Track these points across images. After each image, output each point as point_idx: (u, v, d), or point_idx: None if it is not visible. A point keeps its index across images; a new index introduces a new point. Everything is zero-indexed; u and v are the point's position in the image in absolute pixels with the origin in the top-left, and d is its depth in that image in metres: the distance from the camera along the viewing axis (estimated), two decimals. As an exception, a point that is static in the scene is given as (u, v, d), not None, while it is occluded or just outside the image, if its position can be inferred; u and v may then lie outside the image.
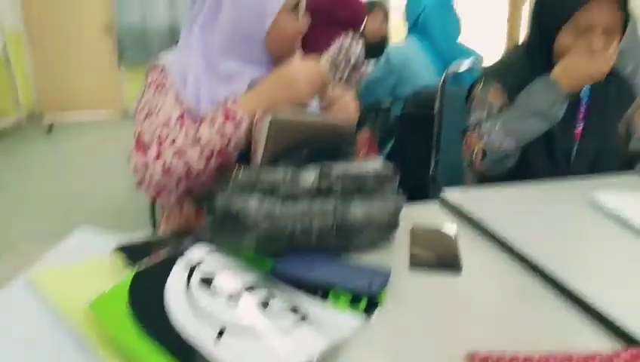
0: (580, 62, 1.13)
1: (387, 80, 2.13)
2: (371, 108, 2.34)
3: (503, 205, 1.05)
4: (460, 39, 2.20)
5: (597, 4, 1.12)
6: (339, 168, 0.81)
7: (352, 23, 2.22)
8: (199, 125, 0.91)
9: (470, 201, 1.03)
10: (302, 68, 0.97)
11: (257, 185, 0.78)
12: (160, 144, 0.89)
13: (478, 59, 2.16)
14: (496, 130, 1.20)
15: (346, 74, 2.17)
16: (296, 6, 1.03)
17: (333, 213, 0.78)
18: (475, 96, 1.32)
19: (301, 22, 1.06)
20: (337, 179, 0.80)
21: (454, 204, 1.02)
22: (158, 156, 0.87)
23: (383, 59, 2.15)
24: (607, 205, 0.99)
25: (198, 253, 0.69)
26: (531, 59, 1.27)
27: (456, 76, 1.99)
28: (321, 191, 0.79)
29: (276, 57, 1.06)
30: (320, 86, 1.00)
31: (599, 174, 1.21)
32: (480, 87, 1.32)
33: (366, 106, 2.30)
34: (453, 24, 2.10)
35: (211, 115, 0.92)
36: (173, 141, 0.89)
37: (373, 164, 0.87)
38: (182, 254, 0.68)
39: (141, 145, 0.90)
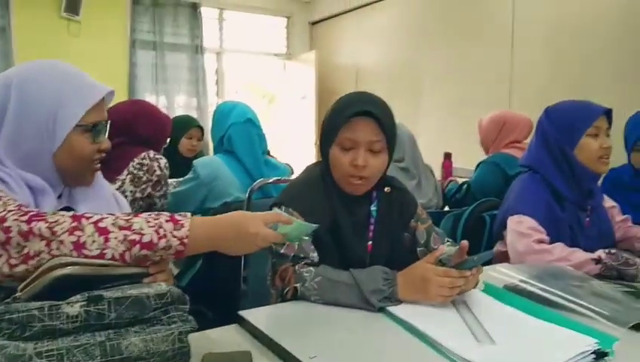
0: (429, 280, 1.08)
1: (196, 193, 2.10)
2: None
3: (301, 320, 1.04)
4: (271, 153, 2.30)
5: (359, 123, 1.22)
6: (112, 292, 0.72)
7: (154, 140, 2.21)
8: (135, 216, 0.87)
9: (268, 320, 1.00)
10: (258, 220, 0.93)
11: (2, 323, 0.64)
12: None
13: (286, 171, 2.27)
14: (312, 283, 1.12)
15: (148, 190, 2.11)
16: (94, 127, 1.02)
17: (102, 347, 0.67)
18: None
19: (100, 143, 1.05)
20: (110, 305, 0.70)
21: (251, 324, 0.97)
22: None
23: (190, 173, 2.12)
24: (396, 313, 1.03)
25: None
26: (324, 179, 1.30)
27: (263, 189, 2.05)
28: (89, 321, 0.68)
29: (68, 175, 1.02)
30: (273, 240, 0.95)
31: None
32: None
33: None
34: (258, 140, 2.19)
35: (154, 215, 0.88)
36: None
37: (157, 287, 0.79)
38: None
39: None
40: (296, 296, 1.13)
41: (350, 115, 1.23)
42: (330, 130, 1.28)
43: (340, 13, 5.85)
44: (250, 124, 2.17)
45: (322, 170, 1.33)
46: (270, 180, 1.96)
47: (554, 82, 3.47)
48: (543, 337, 0.93)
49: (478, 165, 2.52)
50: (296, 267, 1.16)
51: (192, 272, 2.04)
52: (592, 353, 0.84)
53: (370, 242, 1.32)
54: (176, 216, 0.89)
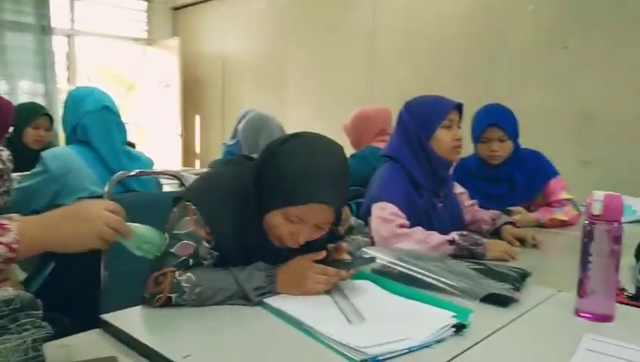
0: (305, 275, 1.08)
1: (46, 188, 1.88)
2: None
3: (172, 319, 0.98)
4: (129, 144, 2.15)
5: (313, 206, 1.07)
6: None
7: None
8: None
9: (134, 321, 0.93)
10: (97, 205, 0.85)
11: None
12: None
13: (148, 164, 2.14)
14: (191, 295, 1.03)
15: None
16: None
17: None
18: (183, 211, 1.13)
19: None
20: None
21: (116, 328, 0.90)
22: None
23: (38, 166, 1.90)
24: (271, 304, 1.03)
25: None
26: (246, 199, 1.14)
27: (124, 182, 1.91)
28: None
29: None
30: (117, 226, 0.84)
31: None
32: (177, 211, 1.15)
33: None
34: (117, 129, 2.03)
35: None
36: None
37: (2, 292, 0.70)
38: None
39: None
40: (167, 305, 1.03)
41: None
42: (276, 195, 1.10)
43: (205, 0, 5.67)
44: (108, 111, 2.01)
45: (244, 183, 1.16)
46: (132, 172, 1.83)
47: (411, 78, 3.73)
48: (410, 314, 0.99)
49: (350, 157, 2.61)
50: (176, 274, 1.05)
51: (42, 276, 1.84)
52: (452, 326, 0.91)
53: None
54: (1, 221, 0.79)
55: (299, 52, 4.63)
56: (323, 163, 1.09)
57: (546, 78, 3.31)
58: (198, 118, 5.90)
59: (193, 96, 5.82)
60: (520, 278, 1.21)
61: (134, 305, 1.04)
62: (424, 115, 1.73)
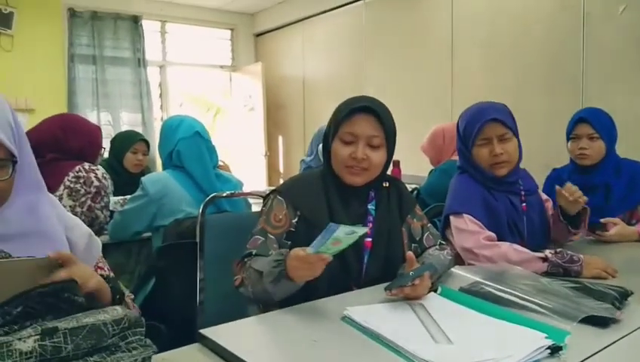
0: (302, 266, 1.11)
1: (146, 211, 2.04)
2: (131, 240, 2.20)
3: (264, 335, 1.03)
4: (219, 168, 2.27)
5: (359, 118, 1.34)
6: (66, 322, 0.68)
7: (87, 151, 2.20)
8: None
9: (230, 336, 0.98)
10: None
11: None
12: None
13: (238, 185, 2.25)
14: (247, 273, 1.25)
15: (88, 203, 2.10)
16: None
17: (61, 381, 0.64)
18: (260, 213, 1.40)
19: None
20: (66, 337, 0.67)
21: (214, 342, 0.96)
22: None
23: (139, 190, 2.07)
24: (354, 318, 1.04)
25: None
26: (323, 177, 1.41)
27: (217, 204, 2.02)
28: (45, 357, 0.65)
29: None
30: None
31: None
32: (266, 204, 1.40)
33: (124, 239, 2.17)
34: (208, 153, 2.16)
35: None
36: None
37: (113, 312, 0.77)
38: None
39: None
40: (242, 285, 1.25)
41: (350, 110, 1.35)
42: (332, 126, 1.39)
43: (283, 25, 5.88)
44: (199, 137, 2.14)
45: (323, 170, 1.44)
46: (223, 194, 1.93)
47: (492, 90, 3.63)
48: (499, 335, 0.97)
49: (430, 172, 2.60)
50: (247, 260, 1.27)
51: (145, 291, 1.98)
52: (547, 348, 0.88)
53: (369, 239, 1.36)
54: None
55: (377, 68, 4.65)
56: (363, 96, 1.44)
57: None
58: (281, 139, 6.08)
59: (276, 117, 6.02)
60: (621, 297, 1.13)
61: (230, 320, 1.10)
62: (463, 130, 1.72)
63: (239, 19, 6.22)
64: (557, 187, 1.69)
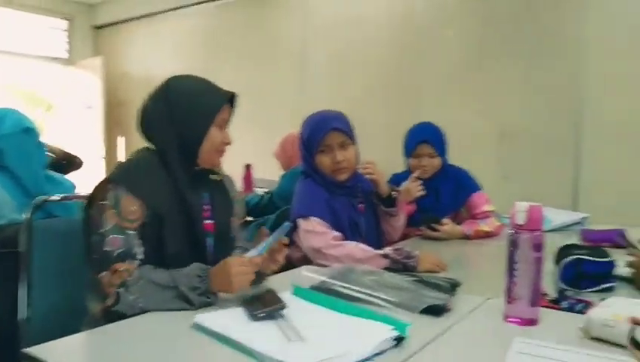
0: (249, 271, 1.16)
1: (-43, 217, 1.74)
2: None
3: (103, 351, 0.94)
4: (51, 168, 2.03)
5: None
6: None
7: None
8: None
9: (62, 355, 0.87)
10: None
11: None
12: None
13: (71, 188, 2.04)
14: (134, 288, 1.14)
15: None
16: None
17: None
18: (100, 210, 1.21)
19: None
20: None
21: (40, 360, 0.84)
22: None
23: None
24: (205, 324, 1.00)
25: None
26: (168, 165, 1.29)
27: (46, 208, 1.80)
28: None
29: None
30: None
31: None
32: (106, 198, 1.22)
33: None
34: (37, 152, 1.92)
35: None
36: None
37: None
38: None
39: None
40: (118, 302, 1.13)
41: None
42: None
43: (128, 20, 5.53)
44: (28, 134, 1.89)
45: (159, 153, 1.31)
46: (54, 197, 1.73)
47: (339, 101, 3.80)
48: (350, 330, 1.00)
49: (282, 176, 2.63)
50: (120, 268, 1.16)
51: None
52: (393, 339, 0.93)
53: (210, 221, 1.36)
54: None
55: (229, 71, 4.59)
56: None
57: (467, 98, 3.50)
58: (122, 140, 5.69)
59: (117, 116, 5.62)
60: (452, 288, 1.25)
61: (62, 336, 0.97)
62: (309, 137, 1.80)
63: (77, 9, 5.72)
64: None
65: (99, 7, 5.80)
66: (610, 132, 3.02)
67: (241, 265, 1.14)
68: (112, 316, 1.13)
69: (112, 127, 5.60)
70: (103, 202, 1.22)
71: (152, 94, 1.36)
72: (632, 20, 2.93)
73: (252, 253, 1.19)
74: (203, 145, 1.32)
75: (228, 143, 1.38)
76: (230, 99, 1.39)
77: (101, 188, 1.25)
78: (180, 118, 1.30)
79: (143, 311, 1.12)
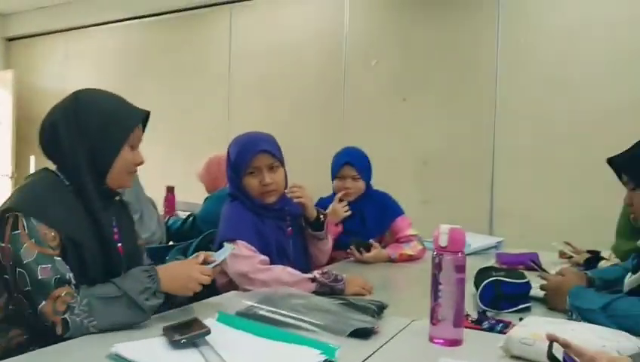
0: (190, 275, 1.23)
1: None
2: None
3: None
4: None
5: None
6: None
7: None
8: None
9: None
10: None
11: None
12: None
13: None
14: (81, 308, 1.09)
15: None
16: None
17: None
18: (15, 242, 1.11)
19: None
20: None
21: None
22: None
23: None
24: (124, 355, 0.94)
25: None
26: (77, 186, 1.21)
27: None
28: None
29: None
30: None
31: None
32: (16, 228, 1.11)
33: None
34: None
35: None
36: None
37: None
38: None
39: None
40: (68, 329, 1.07)
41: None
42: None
43: (44, 33, 5.25)
44: None
45: (65, 174, 1.23)
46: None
47: (268, 123, 3.81)
48: (277, 356, 0.98)
49: (205, 199, 2.56)
50: (61, 293, 1.09)
51: None
52: (321, 362, 0.92)
53: (119, 244, 1.30)
54: None
55: (154, 91, 4.46)
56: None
57: (390, 126, 3.62)
58: (33, 158, 5.32)
59: (28, 133, 5.25)
60: (378, 310, 1.26)
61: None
62: (237, 158, 1.76)
63: (-14, 18, 5.35)
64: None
65: (11, 18, 5.46)
66: (519, 159, 3.24)
67: (202, 271, 1.22)
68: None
69: (23, 144, 5.23)
70: (15, 232, 1.11)
71: (58, 108, 1.26)
72: (540, 56, 3.19)
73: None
74: (114, 165, 1.25)
75: (140, 163, 1.32)
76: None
77: (3, 220, 1.13)
78: (91, 136, 1.21)
79: (100, 331, 1.08)
